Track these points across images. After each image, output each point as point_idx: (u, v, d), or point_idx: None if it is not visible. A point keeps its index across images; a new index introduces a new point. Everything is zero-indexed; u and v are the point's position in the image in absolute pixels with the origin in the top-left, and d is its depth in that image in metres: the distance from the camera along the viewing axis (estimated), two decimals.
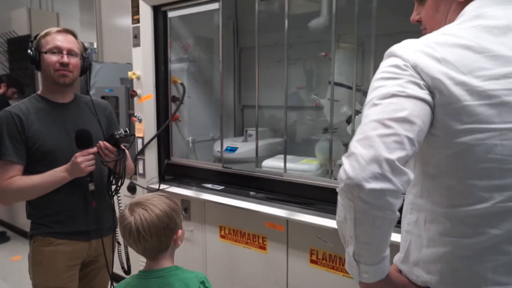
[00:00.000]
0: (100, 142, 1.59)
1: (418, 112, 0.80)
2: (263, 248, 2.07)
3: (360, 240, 0.83)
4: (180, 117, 2.60)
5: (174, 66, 2.59)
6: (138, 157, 2.54)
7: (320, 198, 1.89)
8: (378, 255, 0.87)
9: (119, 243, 1.80)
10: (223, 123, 2.91)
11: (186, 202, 2.38)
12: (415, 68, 0.82)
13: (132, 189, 2.75)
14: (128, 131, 1.63)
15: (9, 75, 4.38)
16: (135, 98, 2.52)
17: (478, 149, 0.80)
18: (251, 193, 2.16)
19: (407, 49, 0.85)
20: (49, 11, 5.03)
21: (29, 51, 1.63)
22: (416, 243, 0.92)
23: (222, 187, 2.28)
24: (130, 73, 2.47)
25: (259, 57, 2.85)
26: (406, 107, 0.79)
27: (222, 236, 2.24)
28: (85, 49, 1.75)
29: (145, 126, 2.50)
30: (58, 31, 1.65)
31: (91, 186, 1.66)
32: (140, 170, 2.55)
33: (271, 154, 2.34)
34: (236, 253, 2.19)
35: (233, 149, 2.42)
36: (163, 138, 2.53)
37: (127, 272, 1.81)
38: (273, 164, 2.11)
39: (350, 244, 0.86)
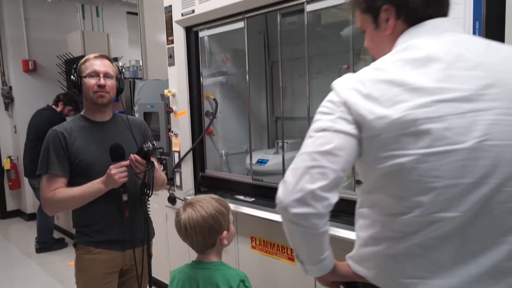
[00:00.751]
0: (131, 155, 1.73)
1: (344, 146, 0.92)
2: (292, 259, 2.10)
3: (296, 248, 1.05)
4: (214, 131, 2.71)
5: (208, 81, 2.71)
6: (175, 170, 2.67)
7: (345, 211, 1.89)
8: (315, 259, 1.04)
9: (150, 255, 1.91)
10: (257, 135, 2.99)
11: None
12: (345, 104, 0.93)
13: (172, 200, 2.89)
14: (155, 145, 1.75)
15: (66, 93, 4.74)
16: (171, 114, 2.66)
17: (399, 172, 0.90)
18: None
19: (342, 86, 0.96)
20: (100, 32, 5.41)
21: (72, 77, 1.82)
22: (359, 243, 1.06)
23: (253, 199, 2.34)
24: (166, 91, 2.61)
25: (291, 69, 2.91)
26: (333, 141, 0.92)
27: (253, 247, 2.30)
28: (120, 72, 1.91)
29: (181, 141, 2.63)
30: (95, 57, 1.82)
31: (125, 197, 1.78)
32: (178, 182, 2.68)
33: None
34: (267, 264, 2.23)
35: (263, 162, 2.48)
36: (198, 152, 2.64)
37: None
38: None
39: (293, 249, 1.07)
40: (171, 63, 2.62)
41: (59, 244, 4.54)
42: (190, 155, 2.62)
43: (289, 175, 0.94)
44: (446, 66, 0.89)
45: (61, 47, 5.30)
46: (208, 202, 1.39)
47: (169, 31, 2.59)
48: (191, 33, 2.53)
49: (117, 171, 1.70)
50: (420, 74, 0.89)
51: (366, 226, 1.03)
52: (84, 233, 1.82)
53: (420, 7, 0.96)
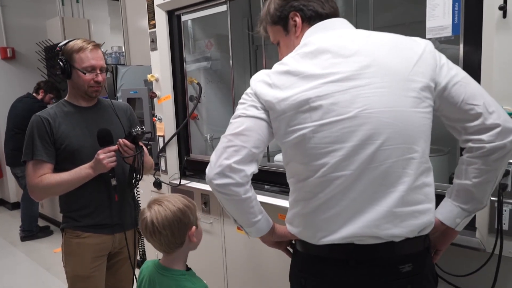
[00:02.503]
0: (120, 139, 1.73)
1: (253, 127, 1.14)
2: None
3: (231, 214, 1.24)
4: (198, 115, 2.72)
5: (192, 67, 2.70)
6: (160, 154, 2.68)
7: None
8: (249, 221, 1.23)
9: (140, 233, 1.93)
10: None
11: (205, 196, 2.50)
12: (255, 95, 1.16)
13: (158, 184, 2.90)
14: (144, 129, 1.76)
15: (47, 81, 4.66)
16: (155, 99, 2.65)
17: (302, 141, 1.10)
18: (266, 186, 2.24)
19: (254, 80, 1.19)
20: (81, 18, 5.30)
21: (60, 63, 1.75)
22: (289, 207, 1.25)
23: None
24: (149, 76, 2.60)
25: (275, 53, 2.92)
26: (244, 124, 1.14)
27: (239, 228, 2.32)
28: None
29: (165, 125, 2.63)
30: (91, 49, 1.76)
31: (113, 181, 1.79)
32: (163, 167, 2.69)
33: None
34: (253, 244, 2.28)
35: None
36: (183, 136, 2.65)
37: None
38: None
39: (230, 216, 1.26)
40: (154, 48, 2.61)
41: (44, 232, 4.51)
42: (175, 139, 2.63)
43: (213, 155, 1.15)
44: (332, 55, 1.11)
45: (40, 34, 5.19)
46: (174, 197, 1.37)
47: (151, 15, 2.57)
48: (173, 17, 2.52)
49: (106, 156, 1.70)
50: (312, 64, 1.11)
51: (291, 192, 1.23)
52: (72, 218, 1.82)
53: (317, 11, 1.20)
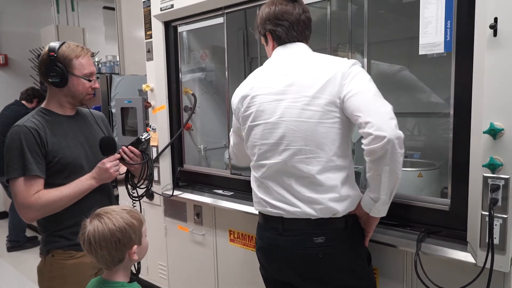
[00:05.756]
0: (124, 147, 1.68)
1: None
2: None
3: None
4: (192, 126, 2.72)
5: (187, 77, 2.72)
6: (153, 165, 2.67)
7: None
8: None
9: None
10: None
11: (198, 208, 2.48)
12: None
13: (150, 195, 2.88)
14: (149, 135, 1.77)
15: (38, 89, 4.64)
16: (150, 109, 2.65)
17: (247, 132, 1.59)
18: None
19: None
20: (76, 26, 5.30)
21: (57, 69, 1.60)
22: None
23: (232, 193, 2.37)
24: (144, 86, 2.60)
25: None
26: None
27: (231, 240, 2.32)
28: None
29: (159, 135, 2.63)
30: (87, 54, 1.69)
31: (116, 191, 1.73)
32: (156, 177, 2.68)
33: None
34: (245, 256, 2.26)
35: None
36: (177, 146, 2.65)
37: (135, 273, 1.92)
38: None
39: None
40: (150, 58, 2.61)
41: (32, 243, 4.44)
42: (169, 149, 2.62)
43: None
44: (271, 73, 1.52)
45: (34, 41, 5.18)
46: (117, 214, 1.26)
47: (148, 26, 2.59)
48: (170, 28, 2.53)
49: (112, 164, 1.63)
50: (258, 77, 1.56)
51: None
52: (63, 237, 1.64)
53: (283, 34, 1.52)
